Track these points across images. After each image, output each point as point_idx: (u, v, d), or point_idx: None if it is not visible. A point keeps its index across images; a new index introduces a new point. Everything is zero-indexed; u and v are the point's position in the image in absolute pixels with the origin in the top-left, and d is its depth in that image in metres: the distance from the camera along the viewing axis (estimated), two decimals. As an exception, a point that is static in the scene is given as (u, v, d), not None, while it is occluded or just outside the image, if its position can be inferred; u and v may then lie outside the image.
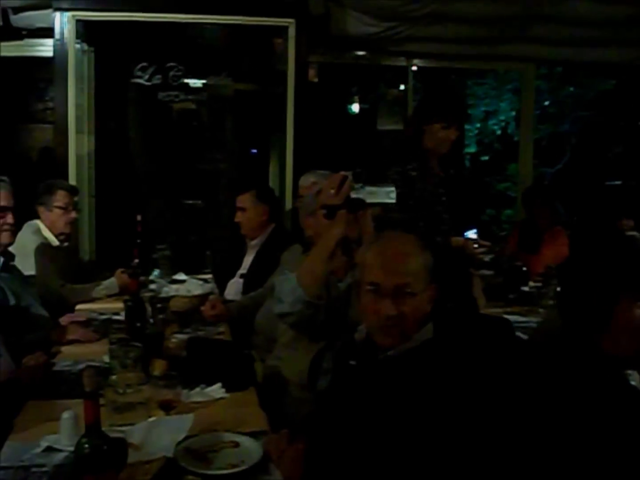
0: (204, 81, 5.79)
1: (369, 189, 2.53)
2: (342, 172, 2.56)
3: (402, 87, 6.92)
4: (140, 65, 5.42)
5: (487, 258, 3.74)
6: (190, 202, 6.41)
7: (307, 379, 2.68)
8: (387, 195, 2.54)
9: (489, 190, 9.43)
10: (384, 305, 2.02)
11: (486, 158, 9.81)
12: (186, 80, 5.63)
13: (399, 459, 1.87)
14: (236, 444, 2.16)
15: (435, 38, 5.70)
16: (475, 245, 3.64)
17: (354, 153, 6.58)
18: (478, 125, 9.72)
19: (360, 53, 6.03)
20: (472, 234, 3.93)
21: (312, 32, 5.34)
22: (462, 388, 1.94)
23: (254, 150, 6.67)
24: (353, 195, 2.53)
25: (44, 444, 2.17)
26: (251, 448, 2.13)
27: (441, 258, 3.26)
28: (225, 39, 6.05)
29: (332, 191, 2.55)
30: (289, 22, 5.26)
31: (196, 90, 5.78)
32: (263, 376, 3.07)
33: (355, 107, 8.21)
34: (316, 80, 6.28)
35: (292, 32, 5.27)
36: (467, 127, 8.75)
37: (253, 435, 2.22)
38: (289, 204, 5.29)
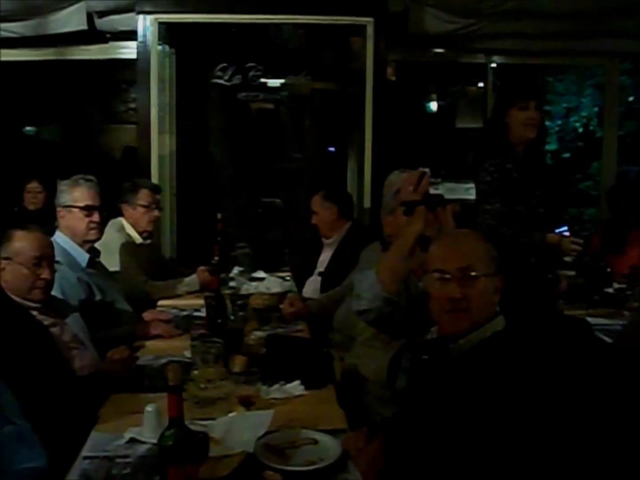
0: (282, 81, 5.83)
1: (448, 185, 2.51)
2: (421, 169, 2.55)
3: (481, 84, 6.84)
4: (220, 66, 5.50)
5: (569, 258, 3.65)
6: (269, 200, 6.47)
7: (386, 377, 2.67)
8: (467, 191, 2.52)
9: (571, 189, 9.22)
10: (448, 288, 2.05)
11: (567, 155, 9.59)
12: (264, 80, 5.67)
13: (475, 455, 1.84)
14: (315, 441, 2.17)
15: (515, 34, 5.61)
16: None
17: (432, 151, 6.53)
18: (559, 122, 9.50)
19: (439, 50, 5.97)
20: (563, 231, 3.81)
21: (391, 30, 5.32)
22: (535, 383, 1.90)
23: (332, 149, 6.69)
24: (432, 191, 2.51)
25: (128, 435, 2.22)
26: (330, 445, 2.13)
27: (536, 254, 3.22)
28: (303, 38, 6.09)
29: (411, 187, 2.54)
30: (367, 20, 5.26)
31: (275, 89, 5.83)
32: (341, 374, 3.06)
33: (434, 105, 8.15)
34: (394, 78, 6.26)
35: (370, 30, 5.26)
36: (548, 124, 8.56)
37: (332, 432, 2.22)
38: (367, 202, 5.28)
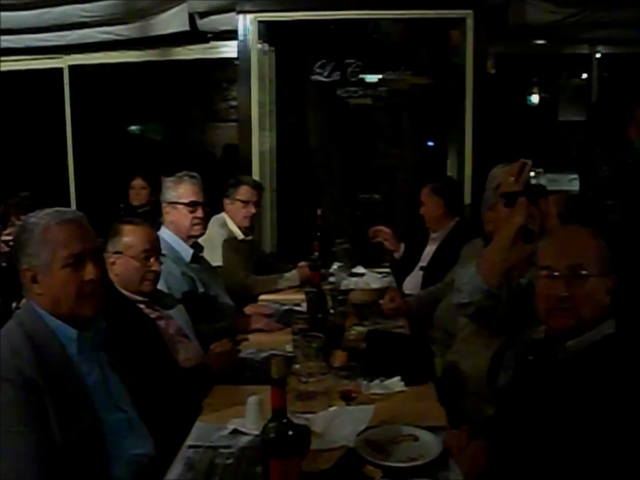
0: (380, 76, 5.80)
1: (550, 176, 2.45)
2: (522, 159, 2.49)
3: (584, 75, 6.63)
4: (319, 63, 5.52)
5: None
6: (368, 195, 6.47)
7: (486, 375, 2.63)
8: (569, 182, 2.45)
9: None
10: (555, 286, 2.00)
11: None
12: (363, 76, 5.66)
13: (581, 459, 1.80)
14: (415, 438, 2.16)
15: (621, 22, 5.41)
16: None
17: (534, 144, 6.38)
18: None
19: (540, 42, 5.83)
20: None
21: (490, 22, 5.22)
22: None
23: (431, 144, 6.62)
24: (534, 182, 2.46)
25: (231, 426, 2.28)
26: (430, 442, 2.12)
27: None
28: (402, 33, 6.06)
29: (512, 178, 2.49)
30: (466, 13, 5.17)
31: (373, 85, 5.80)
32: (442, 371, 3.04)
33: (535, 98, 7.96)
34: (494, 71, 6.14)
35: (470, 23, 5.17)
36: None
37: (432, 429, 2.20)
38: (467, 197, 5.20)
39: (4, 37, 5.83)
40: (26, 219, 2.12)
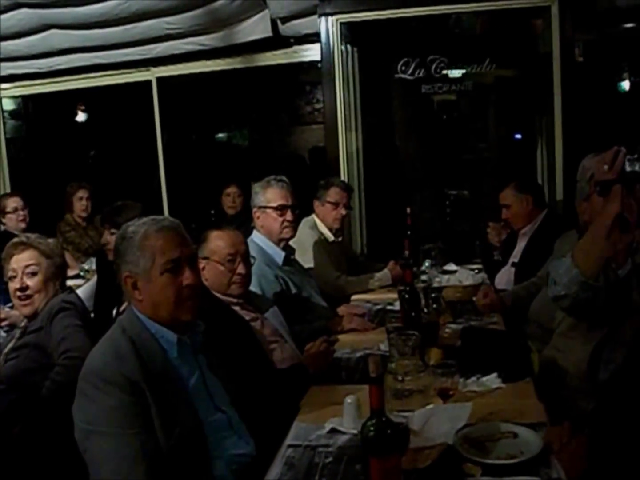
0: (464, 71, 5.75)
1: None
2: (616, 146, 2.42)
3: (678, 58, 6.41)
4: (402, 61, 5.49)
5: None
6: (456, 192, 6.42)
7: (586, 369, 2.57)
8: None
9: None
10: None
11: None
12: (446, 72, 5.62)
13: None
14: (515, 435, 2.13)
15: None
16: None
17: (627, 132, 6.20)
18: None
19: (629, 25, 5.65)
20: None
21: (577, 9, 5.09)
22: None
23: (518, 136, 6.53)
24: (629, 169, 2.38)
25: (329, 425, 2.30)
26: (530, 439, 2.09)
27: None
28: (484, 26, 5.97)
29: (605, 167, 2.42)
30: (551, 1, 5.06)
31: (457, 80, 5.75)
32: (539, 366, 2.99)
33: (626, 84, 7.74)
34: (581, 59, 6.00)
35: (555, 11, 5.06)
36: None
37: (531, 426, 2.17)
38: (559, 189, 5.09)
39: (94, 54, 6.04)
40: (125, 228, 2.19)
